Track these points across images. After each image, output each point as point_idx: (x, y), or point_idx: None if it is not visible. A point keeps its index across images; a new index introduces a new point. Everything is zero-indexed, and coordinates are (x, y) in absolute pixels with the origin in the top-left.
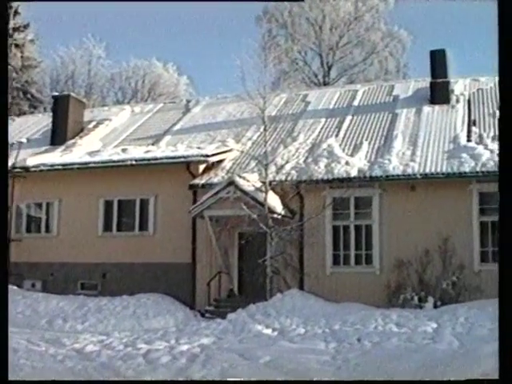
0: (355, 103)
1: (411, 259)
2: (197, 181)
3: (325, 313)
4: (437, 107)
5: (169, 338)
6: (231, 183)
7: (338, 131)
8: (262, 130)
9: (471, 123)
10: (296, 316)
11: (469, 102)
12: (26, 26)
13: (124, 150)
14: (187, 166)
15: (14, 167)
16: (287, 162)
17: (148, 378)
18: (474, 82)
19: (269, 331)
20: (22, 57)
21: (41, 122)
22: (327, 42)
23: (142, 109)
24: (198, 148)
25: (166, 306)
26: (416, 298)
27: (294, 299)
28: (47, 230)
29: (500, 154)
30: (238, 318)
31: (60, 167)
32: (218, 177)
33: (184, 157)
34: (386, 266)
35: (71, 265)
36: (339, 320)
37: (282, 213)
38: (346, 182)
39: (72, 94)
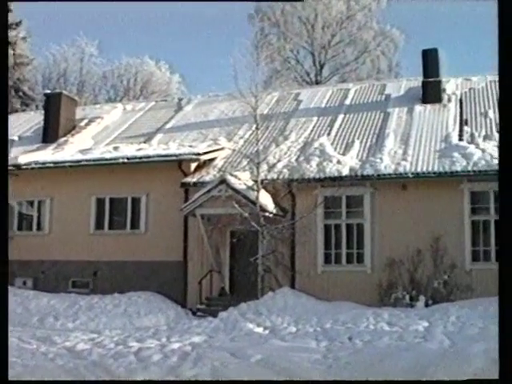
0: (347, 102)
1: (403, 258)
2: (188, 179)
3: (316, 311)
4: (429, 106)
5: (160, 336)
6: (223, 181)
7: (330, 130)
8: (253, 128)
9: (463, 122)
10: (287, 314)
11: (460, 101)
12: (17, 24)
13: (116, 148)
14: (179, 164)
15: None
16: (279, 161)
17: (139, 376)
18: (465, 82)
19: (260, 330)
20: (13, 54)
21: (32, 119)
22: (319, 40)
23: (133, 107)
24: (190, 146)
25: (157, 304)
26: (407, 297)
27: (285, 298)
28: (39, 227)
29: (500, 154)
30: (230, 317)
31: (52, 165)
32: (209, 175)
33: (176, 155)
34: (377, 265)
35: (63, 263)
36: (330, 319)
37: (274, 211)
38: (337, 180)
39: (64, 91)
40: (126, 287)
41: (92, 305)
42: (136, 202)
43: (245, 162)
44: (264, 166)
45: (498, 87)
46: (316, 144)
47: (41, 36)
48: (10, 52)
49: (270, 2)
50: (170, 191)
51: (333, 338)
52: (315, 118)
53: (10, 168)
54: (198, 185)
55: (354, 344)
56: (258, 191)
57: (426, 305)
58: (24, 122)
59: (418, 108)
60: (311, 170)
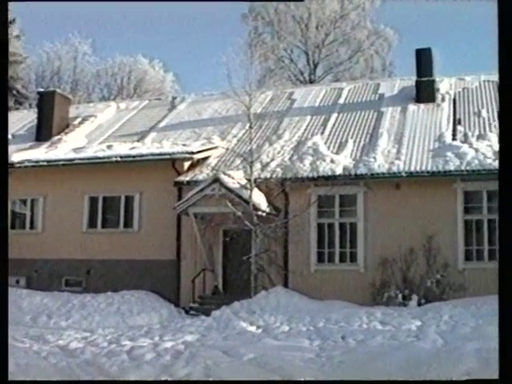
0: (341, 101)
1: (395, 257)
2: (182, 178)
3: (309, 310)
4: (422, 106)
5: (153, 334)
6: (216, 180)
7: (324, 129)
8: (247, 127)
9: (456, 122)
10: (280, 313)
11: (454, 100)
12: (11, 22)
13: (109, 147)
14: (172, 162)
15: None
16: (272, 160)
17: (132, 375)
18: (459, 81)
19: (253, 328)
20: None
21: (26, 117)
22: (313, 39)
23: (127, 105)
24: (184, 145)
25: (150, 302)
26: (400, 296)
27: (278, 297)
28: (32, 226)
29: (500, 154)
30: (223, 315)
31: (45, 163)
32: (203, 174)
33: (169, 154)
34: (370, 264)
35: (56, 261)
36: (323, 318)
37: (267, 210)
38: (331, 179)
39: (57, 90)
40: (119, 286)
41: (85, 303)
42: (129, 200)
43: (238, 161)
44: (257, 165)
45: (491, 87)
46: (309, 143)
47: (34, 34)
48: None
49: (264, 2)
50: (163, 190)
51: (326, 337)
52: (309, 117)
53: None
54: (192, 183)
55: (346, 343)
56: (251, 190)
57: (419, 304)
58: (17, 121)
59: (412, 107)
60: (304, 169)
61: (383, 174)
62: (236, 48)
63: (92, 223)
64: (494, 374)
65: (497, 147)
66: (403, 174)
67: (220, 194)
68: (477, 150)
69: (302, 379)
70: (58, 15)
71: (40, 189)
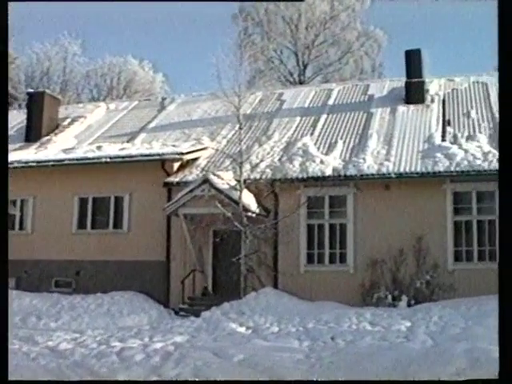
0: (330, 102)
1: (385, 258)
2: (171, 178)
3: (299, 311)
4: (412, 107)
5: (143, 335)
6: (206, 181)
7: (313, 130)
8: (237, 128)
9: (446, 123)
10: (270, 314)
11: (443, 101)
12: None
13: (99, 148)
14: (162, 163)
15: None
16: (262, 161)
17: (121, 376)
18: (448, 82)
19: (243, 329)
20: None
21: (15, 118)
22: (303, 40)
23: (117, 106)
24: (173, 146)
25: (140, 303)
26: (390, 297)
27: (268, 297)
28: (21, 227)
29: (500, 154)
30: (212, 316)
31: (34, 164)
32: (192, 175)
33: (159, 154)
34: (360, 265)
35: (45, 262)
36: (313, 318)
37: (257, 211)
38: (320, 180)
39: (47, 90)
40: (108, 287)
41: (74, 304)
42: (119, 201)
43: (228, 162)
44: (247, 166)
45: (480, 88)
46: (299, 144)
47: (24, 34)
48: None
49: (254, 2)
50: (152, 191)
51: (315, 338)
52: (298, 118)
53: None
54: (181, 184)
55: (336, 344)
56: (240, 191)
57: (409, 305)
58: None
59: (401, 108)
60: (294, 169)
61: (373, 174)
62: (226, 49)
63: (82, 224)
64: (484, 374)
65: (486, 148)
66: (393, 175)
67: (210, 195)
68: (466, 151)
69: (292, 380)
70: (47, 15)
71: (29, 189)
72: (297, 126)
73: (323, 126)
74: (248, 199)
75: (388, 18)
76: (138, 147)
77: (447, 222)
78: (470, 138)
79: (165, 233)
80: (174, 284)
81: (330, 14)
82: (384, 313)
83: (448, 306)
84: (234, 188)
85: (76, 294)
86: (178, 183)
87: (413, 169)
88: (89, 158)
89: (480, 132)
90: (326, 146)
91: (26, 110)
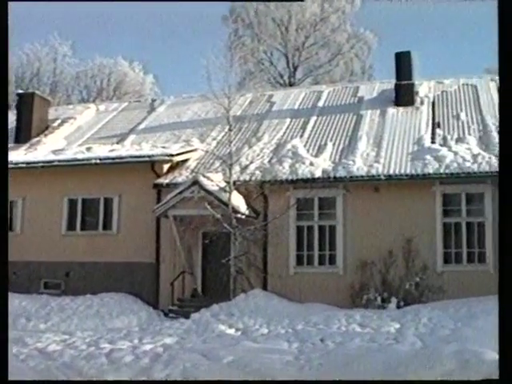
0: (320, 104)
1: (375, 260)
2: (161, 180)
3: (288, 313)
4: (401, 109)
5: (132, 337)
6: (195, 183)
7: (303, 132)
8: (226, 129)
9: (435, 125)
10: (259, 316)
11: (433, 104)
12: None
13: (88, 149)
14: (152, 165)
15: None
16: (252, 162)
17: (111, 378)
18: (438, 85)
19: (232, 331)
20: None
21: None
22: (293, 42)
23: (106, 107)
24: (163, 147)
25: (129, 305)
26: (379, 299)
27: (257, 299)
28: (10, 228)
29: (500, 154)
30: (202, 318)
31: (24, 165)
32: (182, 176)
33: (148, 156)
34: (349, 267)
35: (35, 263)
36: (302, 320)
37: (246, 213)
38: (310, 182)
39: (37, 91)
40: (98, 288)
41: (64, 306)
42: (108, 202)
43: (217, 164)
44: (236, 168)
45: (470, 90)
46: (289, 146)
47: (14, 35)
48: None
49: (244, 3)
50: (142, 192)
51: (304, 340)
52: (288, 120)
53: None
54: (171, 186)
55: (325, 345)
56: (230, 193)
57: (398, 306)
58: None
59: (391, 110)
60: (284, 171)
61: (362, 176)
62: (216, 50)
63: (71, 225)
64: (473, 376)
65: (475, 150)
66: (382, 177)
67: (199, 197)
68: (456, 153)
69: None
70: (38, 16)
71: (19, 191)
72: (287, 128)
73: (313, 127)
74: (237, 201)
75: (378, 21)
76: (127, 149)
77: (436, 224)
78: (459, 140)
79: (154, 234)
80: (163, 286)
81: (320, 16)
82: (373, 314)
83: (437, 308)
84: (223, 190)
85: (65, 295)
86: (167, 185)
87: (402, 171)
88: (78, 160)
89: (469, 134)
90: (316, 147)
91: (15, 111)
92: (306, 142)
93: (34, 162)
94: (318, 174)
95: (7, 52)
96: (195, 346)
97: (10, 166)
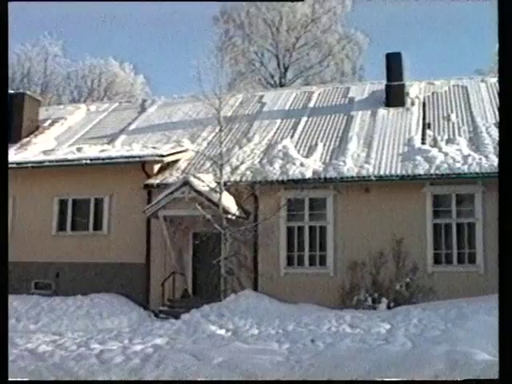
0: (311, 105)
1: (365, 260)
2: (152, 180)
3: (278, 314)
4: (392, 110)
5: (122, 338)
6: (186, 183)
7: (294, 132)
8: (217, 130)
9: (426, 126)
10: (250, 317)
11: (423, 105)
12: None
13: (79, 149)
14: (142, 165)
15: None
16: (242, 163)
17: (101, 379)
18: (428, 86)
19: (222, 332)
20: None
21: None
22: (284, 43)
23: (97, 108)
24: (153, 148)
25: (119, 306)
26: (370, 299)
27: (247, 300)
28: None
29: (500, 154)
30: (192, 319)
31: (14, 165)
32: (172, 177)
33: (139, 156)
34: (339, 268)
35: (25, 264)
36: (293, 321)
37: (237, 213)
38: (300, 183)
39: (27, 91)
40: (88, 289)
41: (54, 306)
42: (99, 203)
43: (208, 164)
44: (227, 168)
45: (460, 91)
46: (279, 146)
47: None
48: None
49: (235, 4)
50: (133, 193)
51: (295, 340)
52: (279, 121)
53: None
54: (161, 186)
55: (316, 346)
56: (220, 193)
57: (388, 307)
58: None
59: (382, 111)
60: (274, 172)
61: (353, 177)
62: (207, 51)
63: (61, 226)
64: (463, 377)
65: (465, 151)
66: (372, 178)
67: (190, 197)
68: (446, 154)
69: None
70: (28, 16)
71: (9, 191)
72: (277, 129)
73: (303, 128)
74: (228, 201)
75: (369, 21)
76: (118, 149)
77: (427, 225)
78: (449, 141)
79: (145, 235)
80: (154, 286)
81: (311, 17)
82: (364, 315)
83: (427, 309)
84: (214, 190)
85: (56, 296)
86: (158, 185)
87: (393, 171)
88: (69, 160)
89: (460, 135)
90: (307, 148)
91: None
92: (297, 142)
93: (24, 163)
94: (308, 174)
95: (7, 52)
96: (185, 346)
97: None
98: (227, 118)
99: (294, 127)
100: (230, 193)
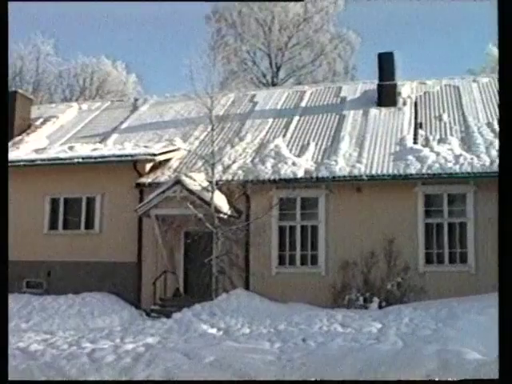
0: (303, 104)
1: (357, 260)
2: (143, 179)
3: (270, 313)
4: (384, 109)
5: (114, 337)
6: (178, 182)
7: (286, 132)
8: (209, 129)
9: (417, 126)
10: (241, 316)
11: (415, 104)
12: None
13: (71, 148)
14: (134, 164)
15: None
16: (234, 162)
17: (92, 377)
18: (420, 85)
19: (214, 331)
20: None
21: None
22: (276, 42)
23: (89, 106)
24: (145, 147)
25: (111, 305)
26: (361, 299)
27: (239, 299)
28: None
29: (500, 154)
30: (184, 318)
31: None
32: (164, 176)
33: (131, 155)
34: (331, 267)
35: (16, 263)
36: (284, 320)
37: (229, 212)
38: (292, 182)
39: (19, 90)
40: (80, 288)
41: (45, 305)
42: (91, 202)
43: (200, 163)
44: (219, 167)
45: (452, 91)
46: (271, 146)
47: None
48: None
49: (227, 3)
50: (125, 191)
51: (286, 340)
52: (271, 120)
53: None
54: (153, 185)
55: (307, 345)
56: (212, 192)
57: (380, 306)
58: None
59: (374, 111)
60: (266, 171)
61: (344, 177)
62: (199, 50)
63: (53, 224)
64: (454, 376)
65: (457, 151)
66: (364, 178)
67: (181, 196)
68: (438, 154)
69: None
70: (20, 15)
71: None
72: (269, 128)
73: (295, 127)
74: (220, 200)
75: (361, 21)
76: (110, 148)
77: (418, 225)
78: (441, 140)
79: (136, 234)
80: (145, 285)
81: (303, 16)
82: (355, 314)
83: (419, 308)
84: (205, 189)
85: (47, 294)
86: (150, 184)
87: (384, 171)
88: (61, 159)
89: (451, 135)
90: (299, 147)
91: None
92: (289, 141)
93: (16, 161)
94: (300, 174)
95: (7, 52)
96: (177, 345)
97: None
98: (219, 117)
99: (286, 126)
100: (222, 192)
